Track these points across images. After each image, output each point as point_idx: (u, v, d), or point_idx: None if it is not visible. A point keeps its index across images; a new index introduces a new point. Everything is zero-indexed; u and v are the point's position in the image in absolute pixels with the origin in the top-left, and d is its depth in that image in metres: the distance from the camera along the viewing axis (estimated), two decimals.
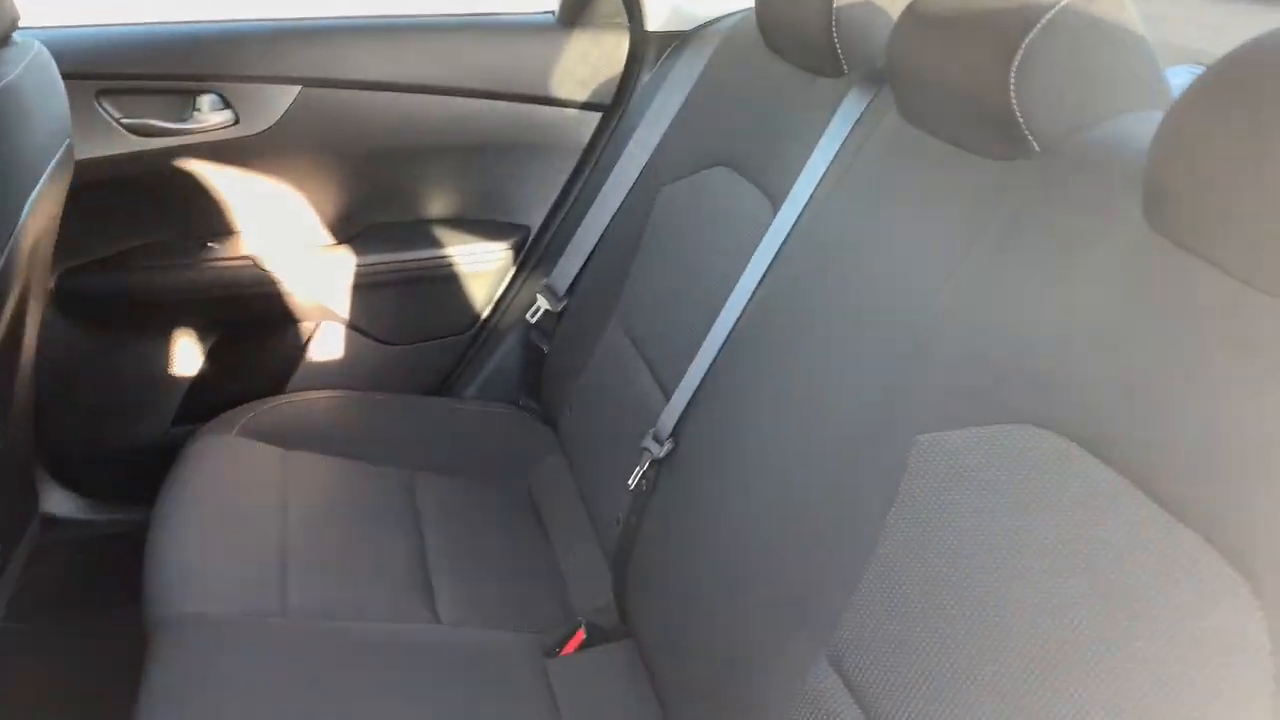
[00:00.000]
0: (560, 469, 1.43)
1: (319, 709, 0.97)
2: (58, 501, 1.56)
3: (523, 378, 1.60)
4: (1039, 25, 0.76)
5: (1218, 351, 0.58)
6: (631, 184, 1.45)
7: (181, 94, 1.43)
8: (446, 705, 1.02)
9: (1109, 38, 0.78)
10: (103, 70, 1.37)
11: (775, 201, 1.09)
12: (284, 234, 1.54)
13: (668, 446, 1.08)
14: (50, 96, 1.10)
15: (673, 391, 1.12)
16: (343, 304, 1.58)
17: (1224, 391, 0.56)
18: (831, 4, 1.05)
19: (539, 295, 1.53)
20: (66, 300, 1.46)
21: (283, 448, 1.35)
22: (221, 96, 1.44)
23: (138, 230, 1.49)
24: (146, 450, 1.50)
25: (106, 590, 1.26)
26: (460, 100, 1.54)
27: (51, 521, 1.55)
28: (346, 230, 1.57)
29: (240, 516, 1.23)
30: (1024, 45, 0.76)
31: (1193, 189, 0.59)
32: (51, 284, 1.44)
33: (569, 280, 1.51)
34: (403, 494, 1.35)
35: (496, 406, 1.58)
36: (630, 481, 1.11)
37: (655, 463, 1.10)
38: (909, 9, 0.91)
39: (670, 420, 1.09)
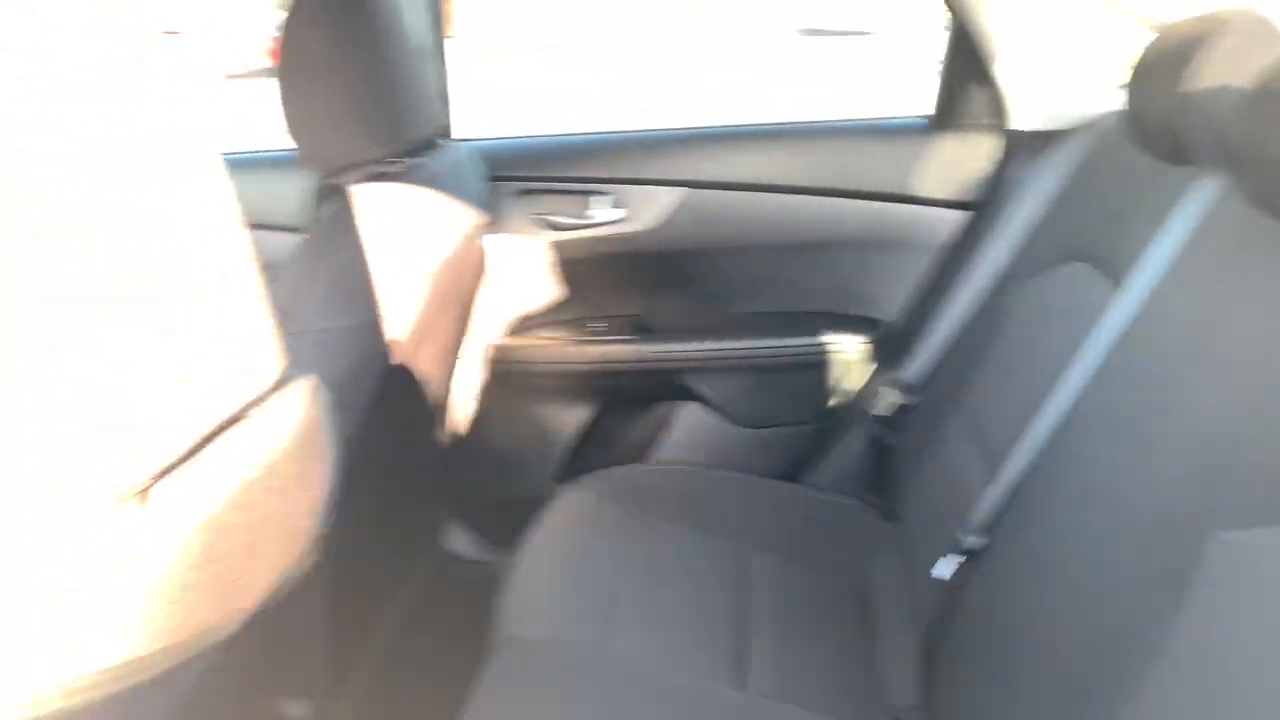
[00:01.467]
0: (895, 566, 1.41)
1: None
2: (457, 540, 1.82)
3: (868, 471, 1.60)
4: None
5: None
6: (989, 282, 1.43)
7: (584, 194, 1.65)
8: None
9: None
10: (520, 173, 1.64)
11: (1120, 293, 1.04)
12: (657, 319, 1.70)
13: (981, 540, 1.05)
14: (469, 189, 1.34)
15: (1000, 487, 1.08)
16: (704, 385, 1.70)
17: None
18: (1189, 91, 1.00)
19: (888, 389, 1.54)
20: (483, 365, 1.72)
21: (634, 510, 1.47)
22: (615, 196, 1.65)
23: (541, 309, 1.73)
24: (532, 501, 1.70)
25: (480, 618, 1.44)
26: (829, 199, 1.62)
27: (450, 557, 1.81)
28: (712, 317, 1.70)
29: (582, 564, 1.35)
30: None
31: None
32: (475, 350, 1.72)
33: (919, 376, 1.50)
34: (737, 568, 1.41)
35: (840, 497, 1.59)
36: (943, 575, 1.09)
37: (971, 556, 1.06)
38: (1261, 88, 0.84)
39: (988, 514, 1.06)
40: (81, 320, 0.47)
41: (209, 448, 0.57)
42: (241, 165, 1.82)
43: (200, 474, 0.56)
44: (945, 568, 1.08)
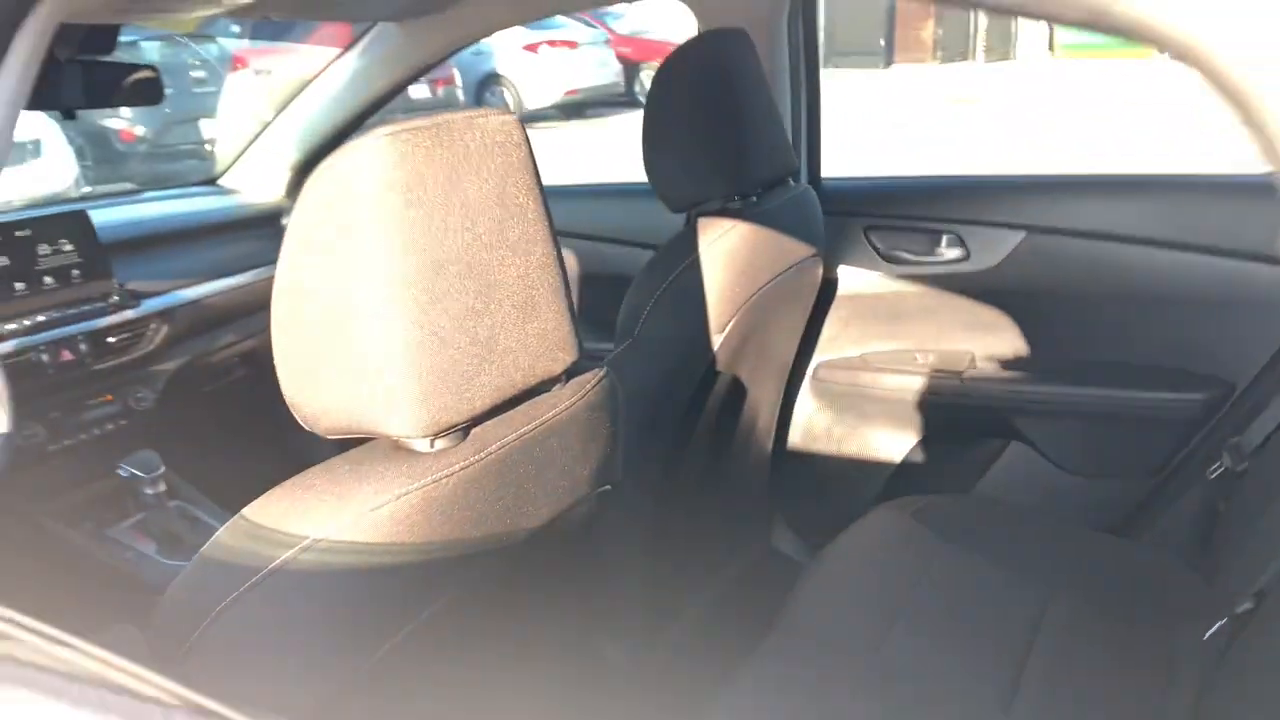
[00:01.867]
0: (1202, 631, 1.36)
1: None
2: (781, 538, 1.99)
3: (1196, 534, 1.54)
4: None
5: None
6: None
7: (927, 233, 1.76)
8: None
9: None
10: (869, 211, 1.77)
11: None
12: (990, 357, 1.76)
13: (1247, 605, 1.03)
14: (805, 224, 1.51)
15: None
16: (1033, 427, 1.73)
17: None
18: None
19: (1226, 452, 1.48)
20: (818, 385, 1.88)
21: (941, 537, 1.54)
22: (957, 236, 1.73)
23: (877, 338, 1.86)
24: (852, 514, 1.82)
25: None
26: (1179, 254, 1.58)
27: (773, 552, 1.98)
28: (1046, 361, 1.72)
29: (875, 578, 1.45)
30: None
31: None
32: (810, 371, 1.88)
33: (1257, 442, 1.43)
34: (1032, 610, 1.42)
35: (1161, 558, 1.55)
36: (1205, 636, 1.08)
37: (1232, 620, 1.05)
38: None
39: (1266, 578, 1.04)
40: (435, 303, 0.71)
41: (516, 408, 0.81)
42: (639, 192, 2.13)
43: (503, 423, 0.80)
44: (1209, 632, 1.08)
